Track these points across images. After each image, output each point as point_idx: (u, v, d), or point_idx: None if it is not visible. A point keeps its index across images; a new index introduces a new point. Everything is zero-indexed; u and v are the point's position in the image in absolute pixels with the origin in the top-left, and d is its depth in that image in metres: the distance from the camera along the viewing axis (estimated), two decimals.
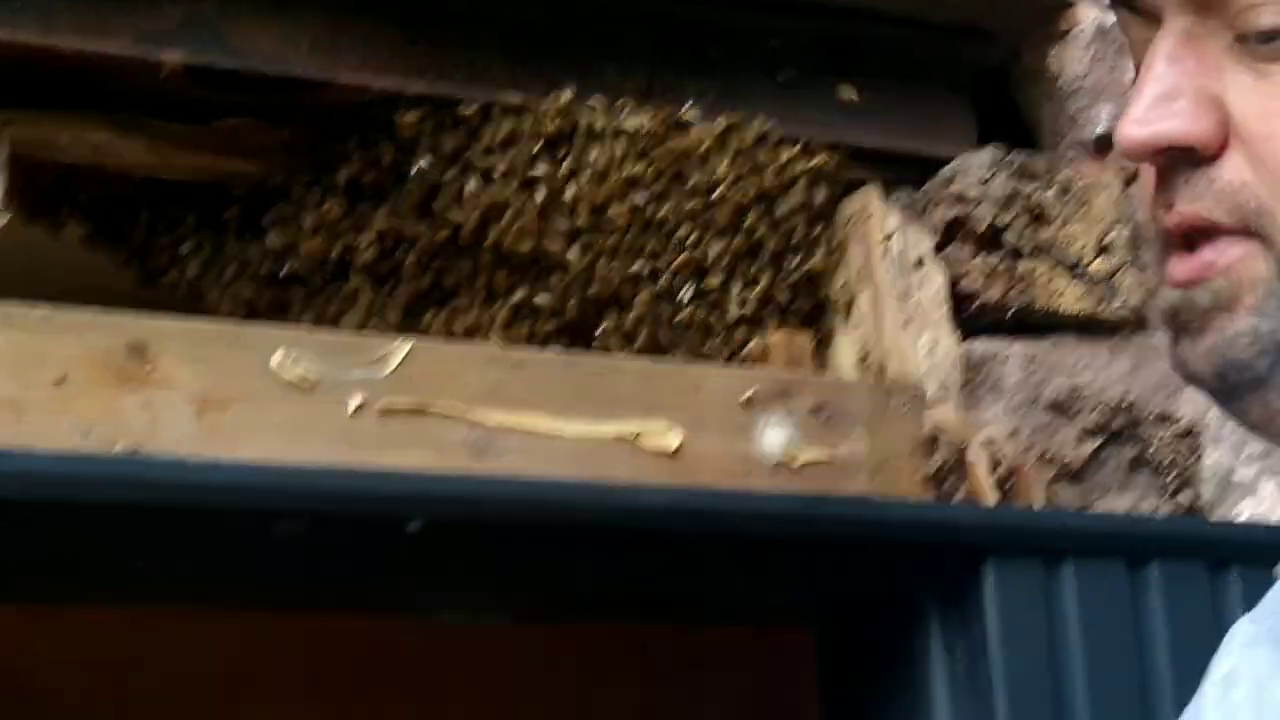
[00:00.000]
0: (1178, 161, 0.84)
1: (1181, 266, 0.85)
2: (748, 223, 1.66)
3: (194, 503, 1.33)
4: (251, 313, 1.61)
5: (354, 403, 1.43)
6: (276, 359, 1.43)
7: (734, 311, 1.66)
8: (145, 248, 1.62)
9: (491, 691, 1.66)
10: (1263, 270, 0.82)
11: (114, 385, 1.39)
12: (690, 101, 1.68)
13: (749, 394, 1.56)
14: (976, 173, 1.70)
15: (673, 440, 1.52)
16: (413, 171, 1.60)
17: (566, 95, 1.63)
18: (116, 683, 1.59)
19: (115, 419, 1.37)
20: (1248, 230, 0.83)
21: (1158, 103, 0.84)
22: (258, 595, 1.52)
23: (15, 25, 1.49)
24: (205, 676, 1.61)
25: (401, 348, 1.47)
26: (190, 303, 1.61)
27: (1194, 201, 0.84)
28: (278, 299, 1.63)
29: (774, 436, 1.56)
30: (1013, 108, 1.83)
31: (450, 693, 1.65)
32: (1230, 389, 0.84)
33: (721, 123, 1.68)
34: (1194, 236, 0.84)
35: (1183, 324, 0.85)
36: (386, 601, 1.57)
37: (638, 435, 1.51)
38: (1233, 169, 0.83)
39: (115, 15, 1.52)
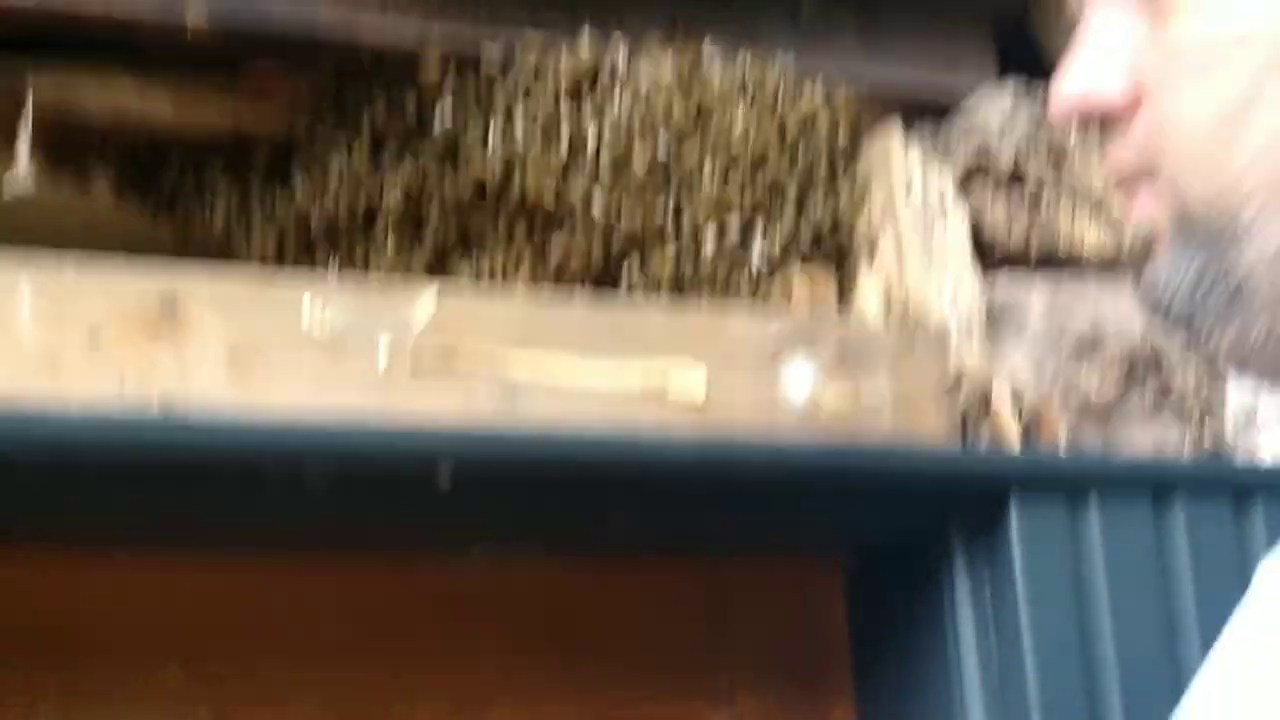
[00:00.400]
0: (1104, 120, 0.89)
1: (1127, 212, 0.93)
2: (770, 165, 1.67)
3: (227, 457, 1.35)
4: (280, 263, 1.63)
5: (383, 351, 1.45)
6: (305, 309, 1.45)
7: (758, 255, 1.67)
8: (173, 201, 1.63)
9: (521, 636, 1.68)
10: (1164, 219, 0.87)
11: (147, 338, 1.40)
12: (711, 44, 1.69)
13: (774, 338, 1.57)
14: (999, 110, 1.70)
15: (699, 389, 1.53)
16: (435, 121, 1.61)
17: (588, 41, 1.64)
18: (154, 628, 1.62)
19: (149, 371, 1.39)
20: (1156, 180, 0.88)
21: (1077, 67, 0.89)
22: (290, 544, 1.55)
23: None
24: (236, 623, 1.63)
25: (429, 297, 1.48)
26: (219, 255, 1.62)
27: (1116, 158, 0.89)
28: (305, 249, 1.64)
29: (799, 379, 1.57)
30: (1032, 44, 1.84)
31: (480, 637, 1.66)
32: (1173, 329, 0.89)
33: (743, 65, 1.68)
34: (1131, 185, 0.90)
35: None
36: (416, 548, 1.59)
37: (665, 390, 1.53)
38: (1141, 123, 0.87)
39: None
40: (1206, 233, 0.88)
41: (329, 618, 1.62)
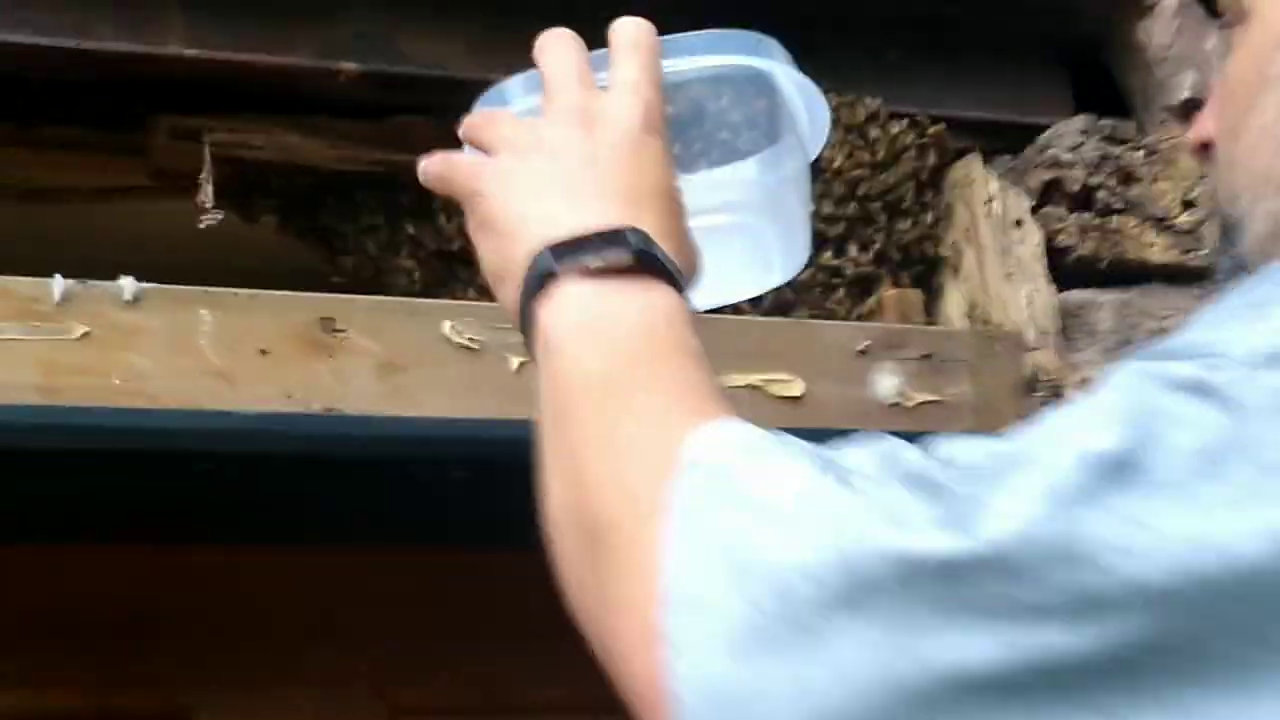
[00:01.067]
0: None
1: None
2: (862, 192, 1.85)
3: (381, 454, 1.56)
4: (424, 286, 1.83)
5: (516, 362, 1.64)
6: (447, 327, 1.65)
7: (852, 271, 1.85)
8: (330, 232, 1.85)
9: None
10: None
11: (309, 354, 1.61)
12: None
13: (864, 345, 1.75)
14: (1069, 139, 1.88)
15: (796, 389, 1.71)
16: None
17: None
18: (311, 613, 1.83)
19: (311, 383, 1.60)
20: None
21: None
22: (436, 537, 1.75)
23: (212, 44, 1.72)
24: (387, 608, 1.84)
25: None
26: (371, 280, 1.83)
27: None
28: (447, 273, 1.84)
29: (887, 381, 1.75)
30: (1108, 76, 2.00)
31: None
32: None
33: (834, 102, 1.86)
34: None
35: None
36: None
37: (767, 383, 1.71)
38: None
39: (298, 31, 1.75)
40: (1228, 232, 1.07)
41: (469, 603, 1.82)
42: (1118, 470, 0.81)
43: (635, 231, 1.07)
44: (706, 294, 1.29)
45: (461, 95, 1.79)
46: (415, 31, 1.79)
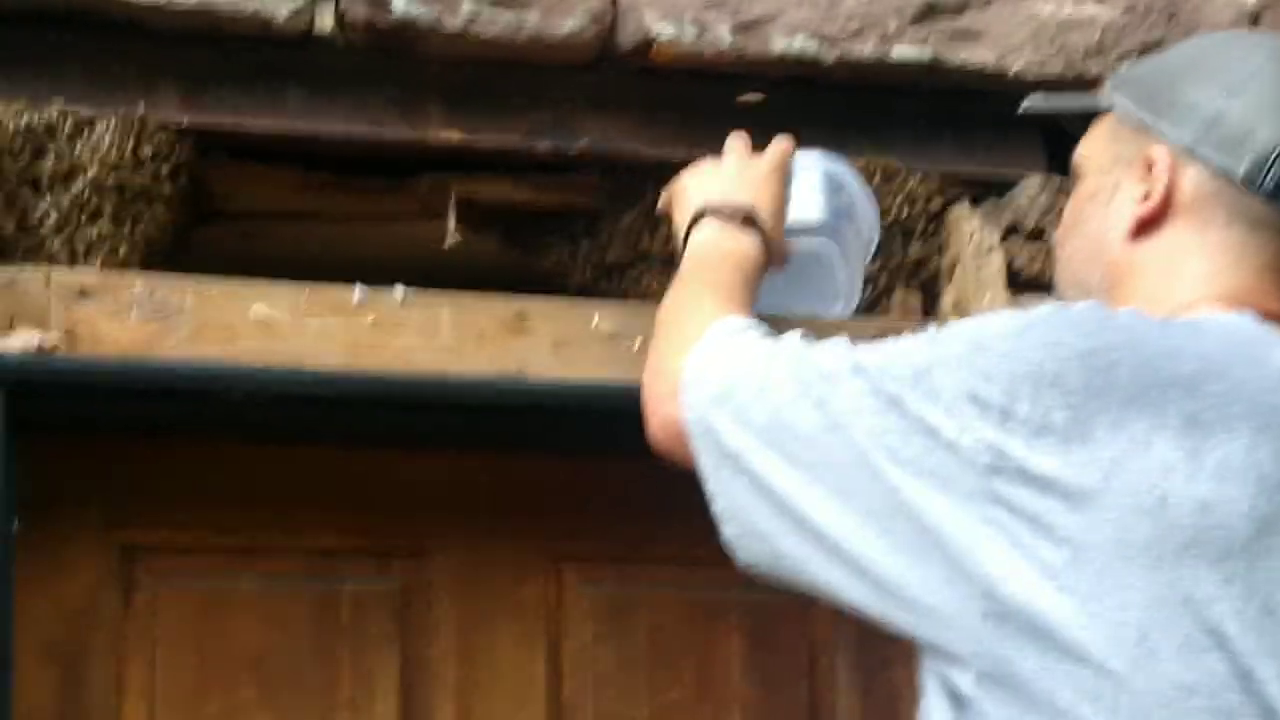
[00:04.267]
0: None
1: None
2: (886, 224, 2.72)
3: (548, 403, 2.52)
4: (589, 283, 2.76)
5: (637, 344, 2.54)
6: (595, 319, 2.57)
7: (876, 282, 2.74)
8: (531, 247, 2.78)
9: None
10: None
11: (508, 336, 2.49)
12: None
13: (872, 334, 2.63)
14: (1029, 191, 2.73)
15: None
16: None
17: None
18: (503, 490, 2.79)
19: (510, 356, 2.49)
20: None
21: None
22: (579, 446, 2.72)
23: (459, 128, 2.62)
24: (552, 491, 2.80)
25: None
26: (556, 281, 2.76)
27: None
28: (604, 275, 2.76)
29: None
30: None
31: None
32: None
33: (874, 164, 2.74)
34: None
35: None
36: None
37: None
38: None
39: (513, 118, 2.64)
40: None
41: (606, 486, 2.79)
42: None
43: (752, 208, 2.16)
44: (791, 300, 2.28)
45: (620, 162, 2.73)
46: (588, 119, 2.67)
